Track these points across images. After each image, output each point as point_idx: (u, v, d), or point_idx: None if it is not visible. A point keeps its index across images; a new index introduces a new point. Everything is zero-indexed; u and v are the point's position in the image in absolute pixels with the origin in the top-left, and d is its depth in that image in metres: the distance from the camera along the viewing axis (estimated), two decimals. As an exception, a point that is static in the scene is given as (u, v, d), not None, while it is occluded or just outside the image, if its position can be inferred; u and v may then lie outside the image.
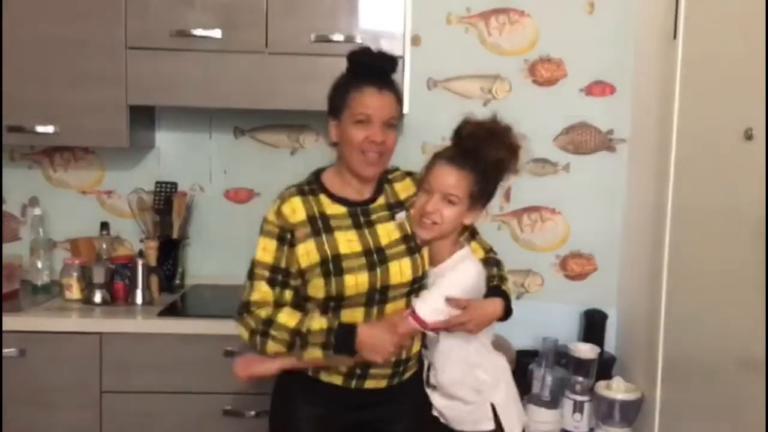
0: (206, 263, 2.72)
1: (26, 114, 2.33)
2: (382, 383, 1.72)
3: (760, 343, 1.62)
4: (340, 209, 1.70)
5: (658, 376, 2.23)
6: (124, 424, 2.22)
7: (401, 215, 1.75)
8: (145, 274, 2.40)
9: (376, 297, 1.67)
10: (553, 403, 2.36)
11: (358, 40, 2.30)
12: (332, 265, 1.64)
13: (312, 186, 1.73)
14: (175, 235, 2.59)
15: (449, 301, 1.66)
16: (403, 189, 1.80)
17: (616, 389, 2.32)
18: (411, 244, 1.72)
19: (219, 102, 2.39)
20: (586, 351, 2.41)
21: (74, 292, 2.39)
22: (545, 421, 2.34)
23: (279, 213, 1.67)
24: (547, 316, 2.68)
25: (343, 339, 1.61)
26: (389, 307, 1.69)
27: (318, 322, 1.62)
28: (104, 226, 2.56)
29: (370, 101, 1.65)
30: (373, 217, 1.72)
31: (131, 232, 2.66)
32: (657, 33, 2.34)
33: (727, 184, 1.85)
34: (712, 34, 1.97)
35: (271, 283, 1.66)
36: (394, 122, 1.70)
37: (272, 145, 2.69)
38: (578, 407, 2.37)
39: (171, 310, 2.34)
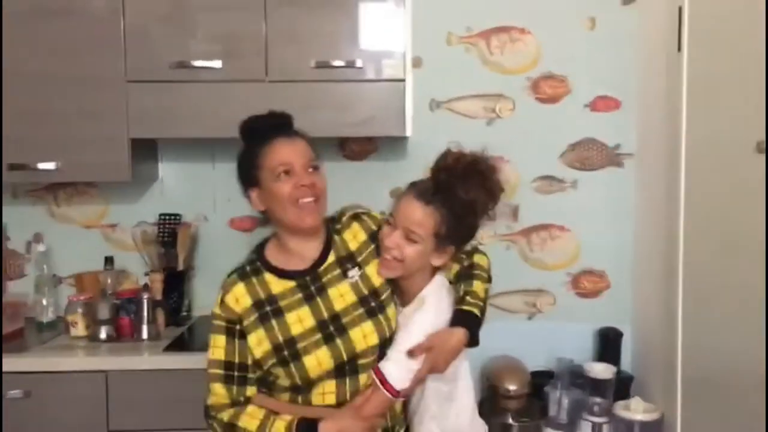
0: (213, 293, 2.62)
1: (27, 151, 2.32)
2: None
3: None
4: (288, 284, 1.57)
5: (677, 394, 2.18)
6: (134, 463, 2.18)
7: (354, 274, 1.61)
8: (150, 308, 2.38)
9: (346, 369, 1.53)
10: (571, 425, 2.31)
11: (359, 64, 2.29)
12: (287, 352, 1.51)
13: (254, 265, 1.61)
14: (180, 267, 2.57)
15: (411, 353, 1.52)
16: (353, 237, 1.66)
17: (635, 409, 2.26)
18: (371, 305, 1.58)
19: (221, 132, 2.32)
20: (602, 371, 2.36)
21: (80, 329, 2.37)
22: (564, 445, 2.29)
23: (223, 305, 1.57)
24: (560, 336, 2.64)
25: None
26: (363, 378, 1.55)
27: (278, 426, 1.49)
28: (108, 260, 2.53)
29: (285, 150, 1.55)
30: (325, 280, 1.59)
31: (136, 265, 2.63)
32: (661, 46, 2.32)
33: (740, 197, 1.82)
34: (718, 46, 1.95)
35: (227, 381, 1.54)
36: (317, 165, 1.59)
37: (276, 173, 2.67)
38: (597, 429, 2.31)
39: (177, 345, 2.31)
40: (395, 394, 1.52)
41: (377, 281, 1.62)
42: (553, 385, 2.37)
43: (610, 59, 2.62)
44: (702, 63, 2.04)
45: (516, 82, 2.64)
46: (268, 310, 1.55)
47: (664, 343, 2.30)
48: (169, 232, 2.57)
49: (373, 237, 1.66)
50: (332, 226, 1.67)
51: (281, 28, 2.29)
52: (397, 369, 1.52)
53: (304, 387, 1.53)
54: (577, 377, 2.40)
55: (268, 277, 1.58)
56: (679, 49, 2.13)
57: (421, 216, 1.54)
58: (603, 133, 2.65)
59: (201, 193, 2.69)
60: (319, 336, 1.53)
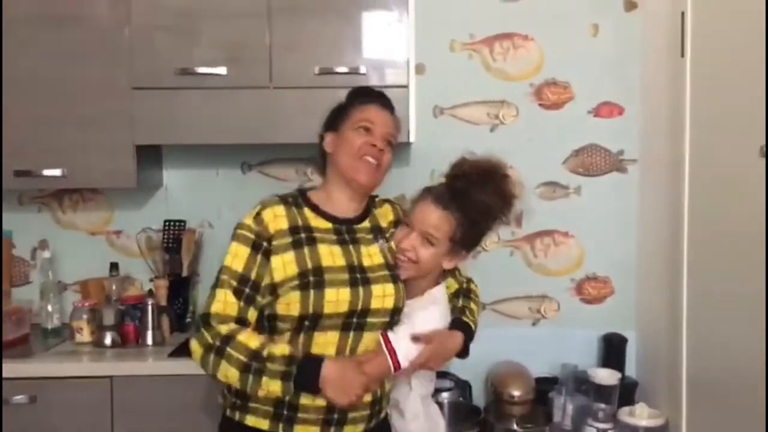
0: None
1: (33, 158, 2.33)
2: (360, 428, 1.58)
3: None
4: (326, 224, 1.62)
5: (683, 400, 2.17)
6: (138, 469, 2.18)
7: (382, 244, 1.66)
8: (155, 314, 2.38)
9: (354, 321, 1.54)
10: (576, 432, 2.30)
11: (362, 71, 2.30)
12: (312, 278, 1.51)
13: (296, 199, 1.65)
14: (185, 273, 2.57)
15: (416, 338, 1.57)
16: (383, 216, 1.74)
17: (640, 415, 2.26)
18: (393, 273, 1.63)
19: (225, 138, 2.38)
20: (607, 377, 2.35)
21: (85, 335, 2.37)
22: (568, 452, 2.28)
23: (258, 218, 1.56)
24: (564, 342, 2.63)
25: (306, 370, 1.46)
26: (366, 337, 1.56)
27: (281, 348, 1.48)
28: (113, 266, 2.54)
29: (373, 113, 1.65)
30: (358, 236, 1.64)
31: (141, 271, 2.64)
32: (664, 52, 2.32)
33: (744, 202, 1.81)
34: (722, 51, 1.95)
35: (237, 294, 1.51)
36: (393, 141, 1.67)
37: (280, 179, 2.67)
38: (602, 436, 2.31)
39: (182, 351, 2.30)
40: (397, 367, 1.55)
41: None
42: (558, 391, 2.37)
43: (613, 65, 2.62)
44: (705, 68, 2.04)
45: (519, 89, 2.64)
46: (303, 236, 1.56)
47: (668, 349, 2.29)
48: (174, 239, 2.58)
49: (396, 224, 1.73)
50: (372, 200, 1.76)
51: (285, 35, 2.30)
52: (405, 346, 1.56)
53: (311, 321, 1.51)
54: (581, 383, 2.40)
55: (308, 212, 1.62)
56: (683, 54, 2.13)
57: (438, 219, 1.61)
58: (606, 139, 2.65)
59: (205, 199, 2.69)
60: (346, 276, 1.55)
